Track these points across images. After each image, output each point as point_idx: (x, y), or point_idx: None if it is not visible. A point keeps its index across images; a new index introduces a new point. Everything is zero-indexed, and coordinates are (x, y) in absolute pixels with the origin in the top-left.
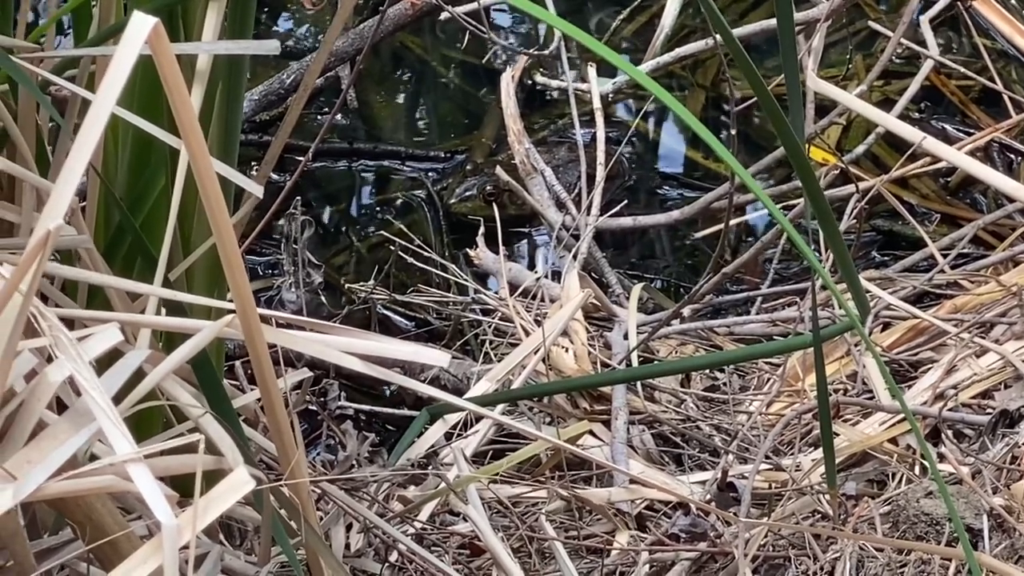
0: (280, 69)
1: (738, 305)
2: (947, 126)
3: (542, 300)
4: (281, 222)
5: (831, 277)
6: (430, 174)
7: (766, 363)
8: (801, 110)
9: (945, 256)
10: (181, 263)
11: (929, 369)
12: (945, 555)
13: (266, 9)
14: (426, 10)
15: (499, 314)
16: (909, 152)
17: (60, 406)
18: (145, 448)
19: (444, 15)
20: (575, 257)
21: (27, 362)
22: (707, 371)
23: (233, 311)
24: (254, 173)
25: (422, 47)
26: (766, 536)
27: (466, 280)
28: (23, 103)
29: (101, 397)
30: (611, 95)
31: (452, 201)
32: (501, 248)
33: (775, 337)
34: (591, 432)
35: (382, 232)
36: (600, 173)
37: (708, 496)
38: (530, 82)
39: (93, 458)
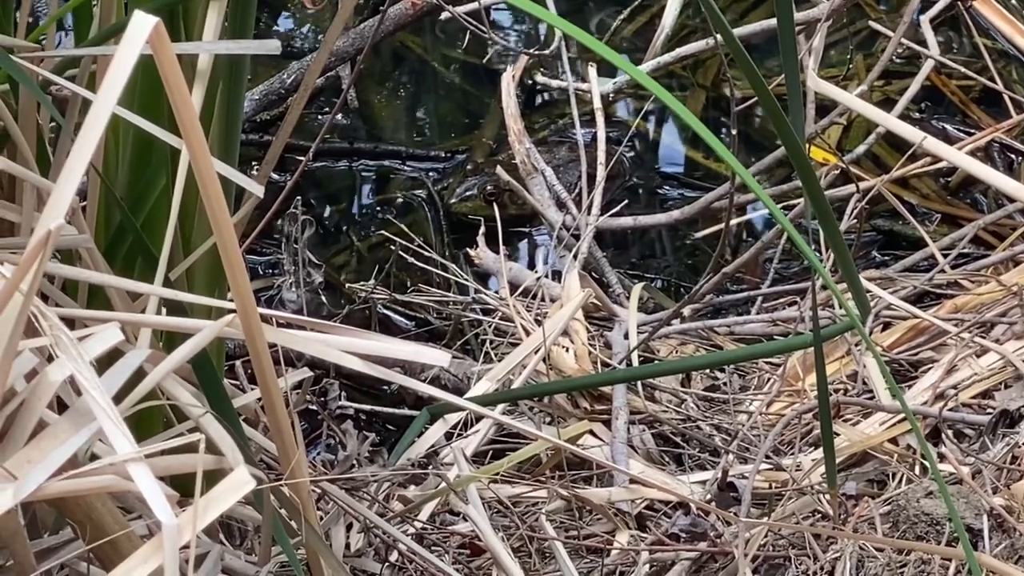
0: (280, 69)
1: (738, 305)
2: (947, 126)
3: (542, 300)
4: (281, 222)
5: (831, 277)
6: (430, 174)
7: (766, 363)
8: (802, 110)
9: (945, 256)
10: (182, 263)
11: (929, 369)
12: (945, 555)
13: (266, 9)
14: (427, 10)
15: (499, 314)
16: (910, 152)
17: (60, 406)
18: (145, 448)
19: (445, 15)
20: (575, 257)
21: (28, 362)
22: (707, 371)
23: (233, 311)
24: (255, 173)
25: (423, 47)
26: (766, 536)
27: (466, 280)
28: (24, 103)
29: (102, 397)
30: (611, 95)
31: (453, 201)
32: (501, 248)
33: (775, 337)
34: (591, 432)
35: (382, 232)
36: (600, 173)
37: (708, 496)
38: (531, 82)
39: (94, 458)
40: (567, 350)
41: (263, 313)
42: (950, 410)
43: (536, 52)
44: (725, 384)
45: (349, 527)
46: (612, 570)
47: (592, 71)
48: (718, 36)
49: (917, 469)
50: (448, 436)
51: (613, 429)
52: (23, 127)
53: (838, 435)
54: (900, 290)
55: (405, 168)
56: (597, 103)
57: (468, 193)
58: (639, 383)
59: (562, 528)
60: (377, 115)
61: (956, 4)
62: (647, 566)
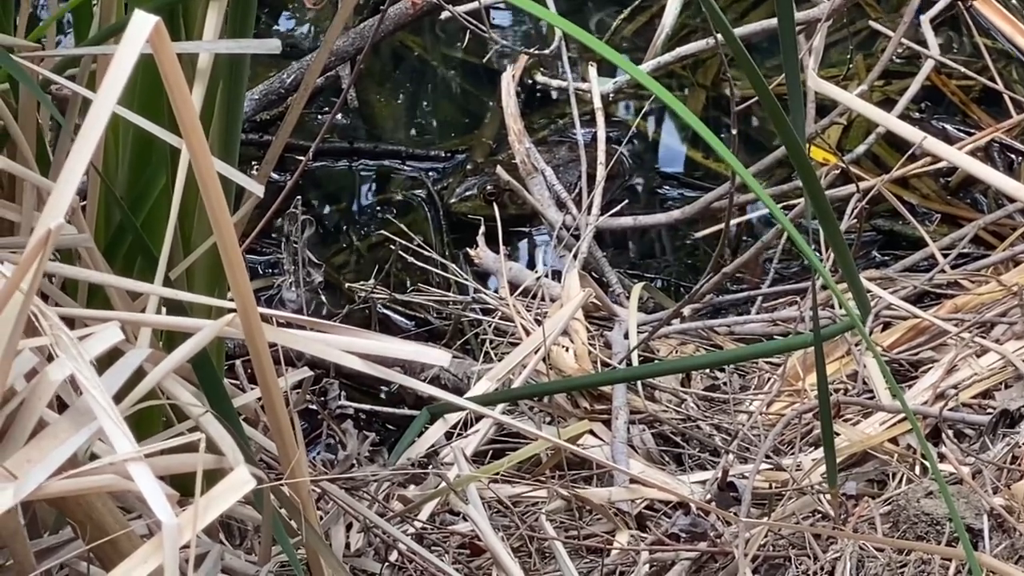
0: (280, 68)
1: (738, 305)
2: (948, 126)
3: (542, 299)
4: (281, 221)
5: (831, 277)
6: (430, 173)
7: (766, 363)
8: (802, 109)
9: (945, 256)
10: (182, 262)
11: (929, 369)
12: (945, 555)
13: (266, 8)
14: (427, 9)
15: (499, 313)
16: (910, 152)
17: (60, 405)
18: (145, 447)
19: (444, 14)
20: (575, 256)
21: (28, 361)
22: (707, 371)
23: (234, 310)
24: (255, 172)
25: (422, 46)
26: (766, 536)
27: (466, 279)
28: (24, 102)
29: (102, 396)
30: (612, 95)
31: (452, 200)
32: (501, 247)
33: (775, 337)
34: (591, 432)
35: (382, 231)
36: (600, 173)
37: (708, 496)
38: (530, 82)
39: (93, 457)
40: (567, 350)
41: (263, 312)
42: (950, 410)
43: (536, 52)
44: (725, 384)
45: (349, 527)
46: (612, 570)
47: (592, 71)
48: (718, 36)
49: (917, 469)
50: (448, 436)
51: (613, 429)
52: (23, 126)
53: (838, 435)
54: (900, 290)
55: (405, 168)
56: (597, 103)
57: (468, 193)
58: (639, 383)
59: (562, 528)
60: (377, 115)
61: (956, 4)
62: (647, 566)
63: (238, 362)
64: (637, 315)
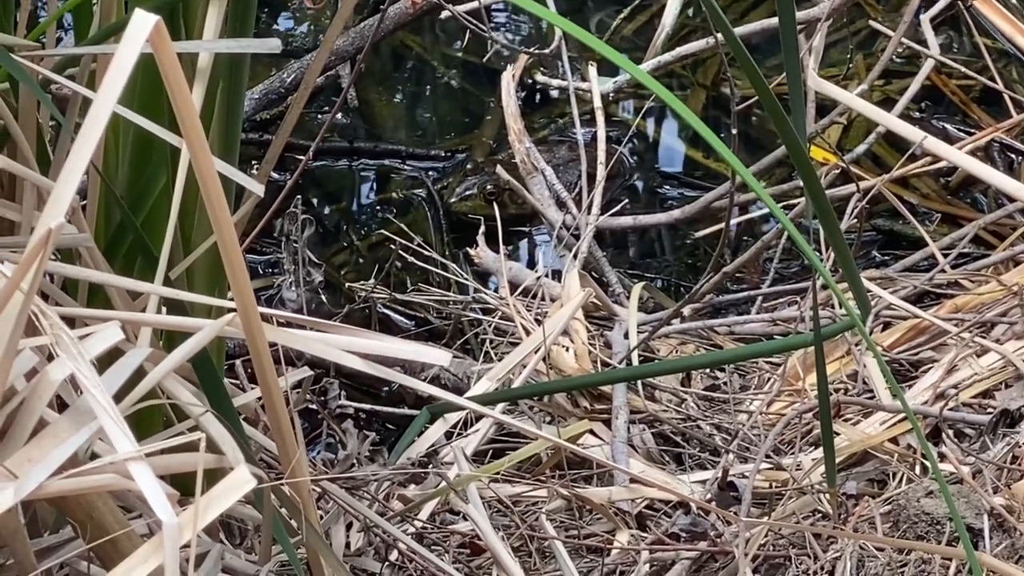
0: (280, 68)
1: (739, 304)
2: (948, 125)
3: (542, 299)
4: (281, 221)
5: (832, 276)
6: (430, 173)
7: (766, 362)
8: (803, 109)
9: (946, 256)
10: (182, 262)
11: (930, 369)
12: (946, 555)
13: (266, 8)
14: (426, 9)
15: (499, 313)
16: (910, 152)
17: (61, 404)
18: (146, 447)
19: (444, 14)
20: (575, 256)
21: (28, 360)
22: (707, 370)
23: (234, 310)
24: (255, 172)
25: (422, 46)
26: (766, 535)
27: (466, 279)
28: (24, 101)
29: (102, 395)
30: (612, 94)
31: (452, 200)
32: (501, 247)
33: (775, 336)
34: (591, 431)
35: (382, 231)
36: (601, 172)
37: (708, 495)
38: (530, 81)
39: (94, 456)
40: (567, 349)
41: (263, 312)
42: (950, 410)
43: (536, 51)
44: (725, 384)
45: (349, 526)
46: (612, 569)
47: (592, 70)
48: (719, 35)
49: (917, 469)
50: (448, 435)
51: (613, 428)
52: (23, 126)
53: (838, 435)
54: (900, 290)
55: (405, 167)
56: (597, 102)
57: (468, 192)
58: (639, 382)
59: (562, 527)
60: (377, 114)
61: (956, 4)
62: (647, 565)
63: (238, 362)
64: (637, 315)
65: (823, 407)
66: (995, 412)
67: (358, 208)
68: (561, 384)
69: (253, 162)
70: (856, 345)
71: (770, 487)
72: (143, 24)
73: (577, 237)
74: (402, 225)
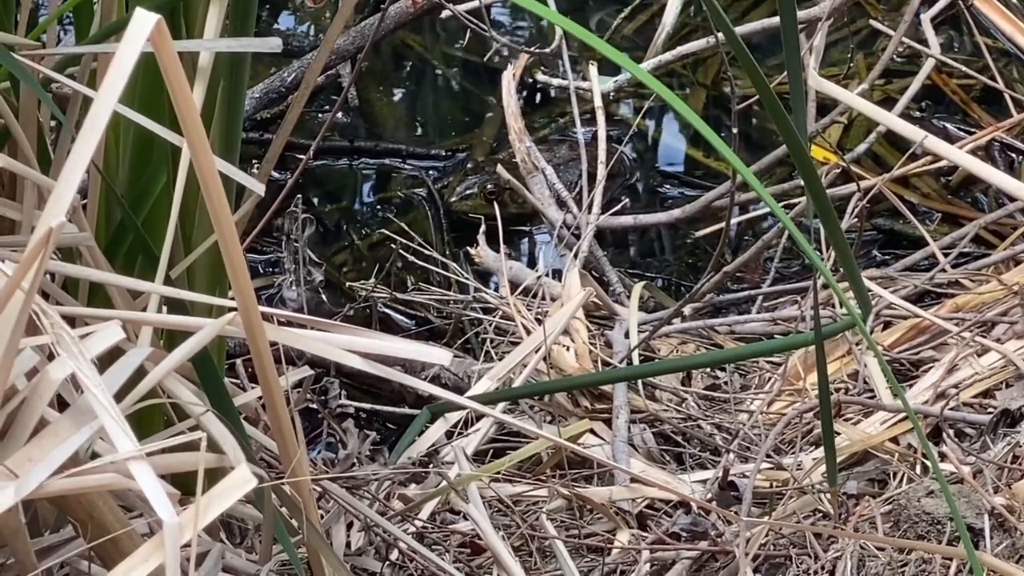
0: (281, 67)
1: (739, 304)
2: (948, 125)
3: (543, 298)
4: (282, 220)
5: (832, 275)
6: (431, 172)
7: (767, 362)
8: (804, 108)
9: (946, 255)
10: (182, 261)
11: (930, 368)
12: (946, 554)
13: (267, 7)
14: (427, 8)
15: (500, 312)
16: (910, 151)
17: (61, 404)
18: (147, 446)
19: (445, 13)
20: (576, 256)
21: (29, 360)
22: (708, 370)
23: (234, 309)
24: (255, 171)
25: (423, 45)
26: (767, 535)
27: (467, 278)
28: (25, 100)
29: (103, 395)
30: (612, 93)
31: (453, 199)
32: (502, 246)
33: (776, 336)
34: (592, 431)
35: (383, 230)
36: (601, 171)
37: (709, 495)
38: (531, 80)
39: (95, 456)
40: (568, 349)
41: (264, 311)
42: (951, 409)
43: (537, 50)
44: (726, 383)
45: (350, 526)
46: (613, 569)
47: (593, 69)
48: (719, 34)
49: (918, 468)
50: (449, 435)
51: (614, 428)
52: (24, 125)
53: (839, 434)
54: (901, 289)
55: (405, 166)
56: (598, 101)
57: (468, 192)
58: (640, 382)
59: (563, 527)
60: (377, 113)
61: (957, 3)
62: (648, 565)
63: (239, 361)
64: (638, 314)
65: (824, 407)
66: (996, 412)
67: (359, 207)
68: (562, 383)
69: (254, 161)
70: (857, 344)
71: (771, 487)
72: (144, 23)
73: (578, 236)
74: (403, 224)
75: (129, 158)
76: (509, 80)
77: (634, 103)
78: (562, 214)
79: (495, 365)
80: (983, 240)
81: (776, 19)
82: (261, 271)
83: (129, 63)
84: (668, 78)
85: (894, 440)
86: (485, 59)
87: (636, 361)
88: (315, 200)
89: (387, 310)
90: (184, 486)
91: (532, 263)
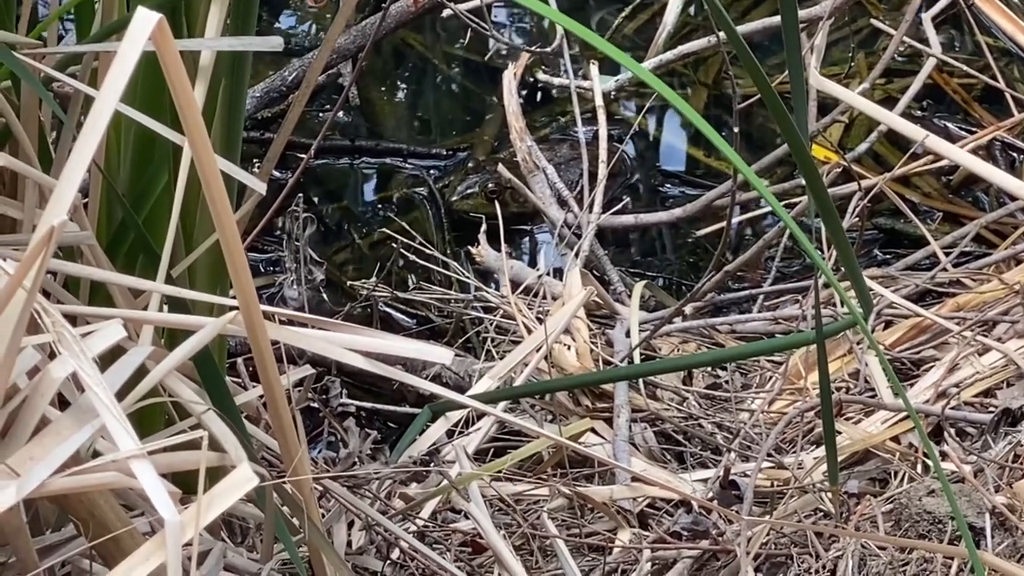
0: (282, 66)
1: (740, 303)
2: (949, 124)
3: (544, 298)
4: (283, 219)
5: (834, 275)
6: (432, 171)
7: (768, 361)
8: (806, 107)
9: (947, 254)
10: (184, 260)
11: (931, 367)
12: (948, 553)
13: (268, 6)
14: (428, 7)
15: (501, 312)
16: (911, 150)
17: (63, 402)
18: (148, 445)
19: (446, 12)
20: (577, 255)
21: (30, 358)
22: (709, 369)
23: (236, 308)
24: (256, 170)
25: (424, 44)
26: (768, 534)
27: (468, 277)
28: (26, 99)
29: (104, 393)
30: (613, 93)
31: (454, 198)
32: (503, 245)
33: (777, 335)
34: (593, 430)
35: (384, 229)
36: (602, 171)
37: (710, 494)
38: (532, 79)
39: (96, 454)
40: (569, 348)
41: (265, 310)
42: (952, 408)
43: (538, 49)
44: (727, 382)
45: (351, 524)
46: (614, 568)
47: (594, 68)
48: (720, 33)
49: (919, 467)
50: (450, 434)
51: (615, 427)
52: (25, 124)
53: (840, 433)
54: (902, 288)
55: (406, 166)
56: (599, 101)
57: (469, 191)
58: (640, 381)
59: (564, 526)
60: (378, 112)
61: (958, 2)
62: (649, 564)
63: (240, 360)
64: (639, 313)
65: (825, 406)
66: (997, 411)
67: (359, 206)
68: (563, 382)
69: (254, 160)
70: (858, 343)
71: (772, 486)
72: (146, 22)
73: (579, 235)
74: (403, 223)
75: (130, 157)
76: (510, 79)
77: (635, 102)
78: (563, 213)
79: (496, 364)
80: (984, 239)
81: (776, 18)
82: (262, 270)
83: (131, 62)
84: (669, 77)
85: (895, 439)
86: (486, 58)
87: (637, 360)
88: (316, 199)
89: (388, 309)
90: (185, 485)
91: (533, 262)
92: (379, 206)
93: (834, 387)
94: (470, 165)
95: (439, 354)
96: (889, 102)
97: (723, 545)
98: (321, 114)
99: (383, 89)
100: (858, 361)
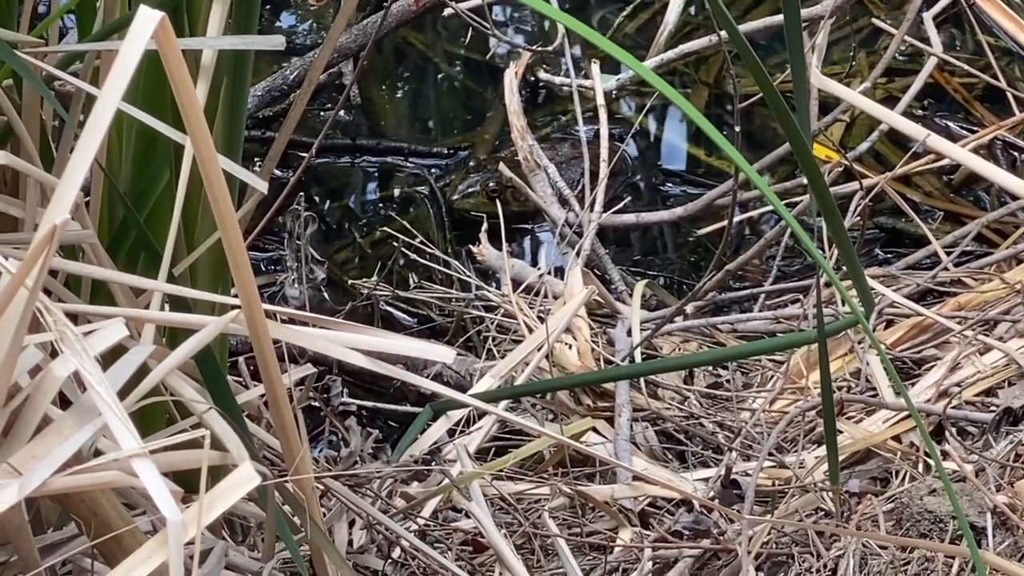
0: (282, 65)
1: (741, 302)
2: (950, 123)
3: (545, 297)
4: (284, 218)
5: (835, 274)
6: (433, 170)
7: (769, 360)
8: (808, 106)
9: (948, 254)
10: (185, 258)
11: (932, 366)
12: (949, 553)
13: (269, 5)
14: (429, 6)
15: (502, 311)
16: (913, 149)
17: (65, 401)
18: (150, 443)
19: (447, 11)
20: (578, 254)
21: (32, 357)
22: (710, 368)
23: (237, 307)
24: (257, 169)
25: (425, 43)
26: (769, 533)
27: (469, 276)
28: (28, 98)
29: (106, 392)
30: (614, 92)
31: (455, 197)
32: (504, 245)
33: (778, 334)
34: (594, 429)
35: (385, 228)
36: (603, 170)
37: (711, 493)
38: (533, 78)
39: (98, 453)
40: (570, 347)
41: (266, 309)
42: (953, 408)
43: (539, 49)
44: (728, 381)
45: (352, 523)
46: (615, 567)
47: (595, 67)
48: (722, 32)
49: (920, 467)
50: (451, 433)
51: (616, 426)
52: (27, 122)
53: (841, 432)
54: (903, 287)
55: (407, 164)
56: (600, 100)
57: (471, 190)
58: (642, 380)
59: (565, 525)
60: (380, 111)
61: (959, 1)
62: (650, 563)
63: (241, 359)
64: (640, 312)
65: (826, 405)
66: (998, 410)
67: (361, 205)
68: (564, 381)
69: (256, 159)
70: (859, 343)
71: (773, 485)
72: (148, 20)
73: (580, 235)
74: (404, 222)
75: (132, 155)
76: (511, 78)
77: (636, 101)
78: (564, 212)
79: (497, 363)
80: (985, 239)
81: (777, 18)
82: (263, 269)
83: (133, 61)
84: (670, 76)
85: (896, 438)
86: (487, 57)
87: (638, 359)
88: (317, 198)
89: (389, 308)
90: (187, 484)
91: (534, 261)
92: (380, 205)
93: (835, 386)
94: (471, 164)
95: (440, 353)
96: (890, 101)
97: (724, 544)
98: (322, 113)
99: (384, 88)
100: (859, 360)
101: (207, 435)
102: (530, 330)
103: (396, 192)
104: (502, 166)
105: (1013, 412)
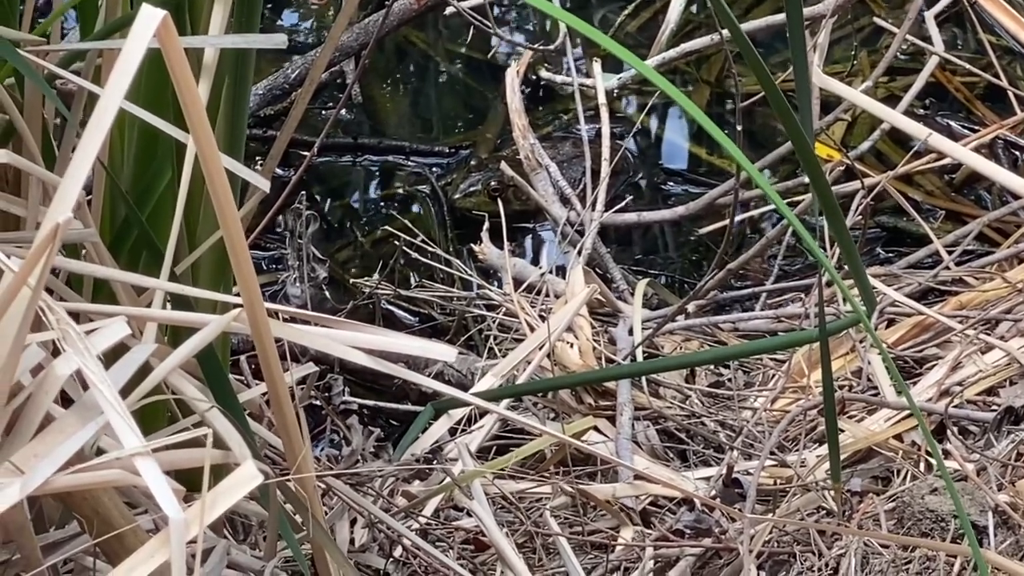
0: (284, 64)
1: (743, 301)
2: (952, 122)
3: (547, 296)
4: (285, 217)
5: (837, 273)
6: (434, 169)
7: (771, 359)
8: (810, 105)
9: (950, 253)
10: (187, 257)
11: (934, 366)
12: (950, 552)
13: (270, 4)
14: (431, 5)
15: (504, 309)
16: (914, 149)
17: (67, 400)
18: (152, 442)
19: (449, 10)
20: (580, 253)
21: (34, 356)
22: (712, 367)
23: (239, 305)
24: (259, 167)
25: (426, 42)
26: (771, 532)
27: (470, 275)
28: (29, 97)
29: (108, 391)
30: (616, 90)
31: (456, 196)
32: (506, 243)
33: (780, 333)
34: (596, 428)
35: (386, 227)
36: (605, 169)
37: (713, 492)
38: (535, 77)
39: (100, 452)
40: (571, 346)
41: (268, 308)
42: (955, 407)
43: (540, 47)
44: (730, 380)
45: (354, 522)
46: (616, 566)
47: (597, 66)
48: (723, 31)
49: (922, 466)
50: (452, 432)
51: (617, 425)
52: (29, 121)
53: (843, 431)
54: (905, 286)
55: (409, 163)
56: (602, 98)
57: (472, 188)
58: (643, 379)
59: (566, 524)
60: (381, 110)
61: (961, 0)
62: (651, 562)
63: (243, 357)
64: (641, 311)
65: (828, 404)
66: (1000, 409)
67: (362, 204)
68: (565, 380)
69: (257, 158)
70: (861, 342)
71: (774, 484)
72: (150, 19)
73: (581, 233)
74: (406, 221)
75: (134, 154)
76: (513, 77)
77: (637, 100)
78: (566, 211)
79: (499, 362)
80: (987, 238)
81: (778, 16)
82: (265, 267)
83: (135, 59)
84: (672, 75)
85: (898, 437)
86: (489, 56)
87: (640, 358)
88: (319, 197)
89: (390, 307)
90: (189, 482)
91: (536, 260)
92: (382, 204)
93: (837, 385)
94: (472, 163)
95: (442, 352)
96: (892, 100)
97: (726, 543)
98: (324, 112)
99: (386, 87)
100: (861, 359)
101: (209, 434)
102: (531, 329)
103: (398, 191)
104: (504, 165)
105: (1015, 411)
